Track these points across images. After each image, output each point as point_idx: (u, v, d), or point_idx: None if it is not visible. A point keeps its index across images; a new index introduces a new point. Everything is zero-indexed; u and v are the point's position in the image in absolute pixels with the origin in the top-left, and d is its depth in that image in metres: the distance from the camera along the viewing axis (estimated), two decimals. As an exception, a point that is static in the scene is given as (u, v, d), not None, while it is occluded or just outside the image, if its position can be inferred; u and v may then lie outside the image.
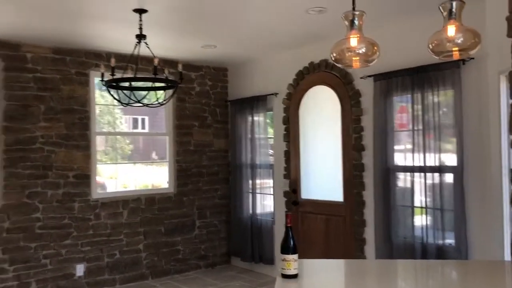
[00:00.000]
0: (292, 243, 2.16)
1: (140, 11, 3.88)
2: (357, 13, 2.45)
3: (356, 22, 2.46)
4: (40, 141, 5.10)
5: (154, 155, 6.82)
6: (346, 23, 2.47)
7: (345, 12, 2.47)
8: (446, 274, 2.47)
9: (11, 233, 4.89)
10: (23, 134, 4.99)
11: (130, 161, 6.14)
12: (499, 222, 3.48)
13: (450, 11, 2.35)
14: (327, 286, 2.26)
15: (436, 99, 4.11)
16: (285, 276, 2.18)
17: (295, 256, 2.17)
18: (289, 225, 2.20)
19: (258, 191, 6.09)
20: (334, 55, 2.48)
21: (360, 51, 2.44)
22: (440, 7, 2.37)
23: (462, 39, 2.33)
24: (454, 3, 2.33)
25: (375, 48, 2.44)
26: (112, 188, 6.00)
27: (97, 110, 6.07)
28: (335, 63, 2.52)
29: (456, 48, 2.37)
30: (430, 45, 2.37)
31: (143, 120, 8.41)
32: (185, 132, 6.22)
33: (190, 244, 6.20)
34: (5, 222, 4.86)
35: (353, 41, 2.45)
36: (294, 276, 2.18)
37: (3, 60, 4.89)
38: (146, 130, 8.72)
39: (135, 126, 9.33)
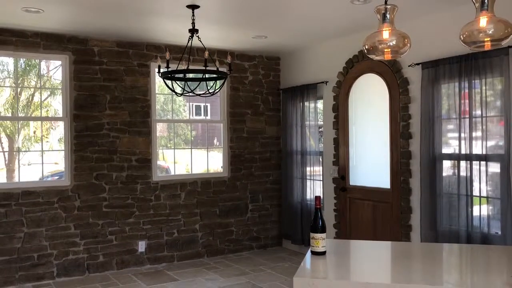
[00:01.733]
0: (320, 223, 2.36)
1: (193, 7, 4.16)
2: (388, 7, 2.56)
3: (388, 15, 2.57)
4: (106, 128, 5.57)
5: (215, 141, 7.15)
6: (378, 16, 2.59)
7: (377, 6, 2.58)
8: (488, 257, 2.48)
9: (81, 211, 5.43)
10: (91, 121, 5.48)
11: (188, 147, 6.52)
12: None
13: (482, 2, 2.42)
14: (349, 262, 2.43)
15: (484, 87, 4.08)
16: (314, 253, 2.38)
17: (323, 235, 2.36)
18: (318, 206, 2.39)
19: (308, 177, 6.27)
20: (366, 47, 2.61)
21: (391, 43, 2.56)
22: (473, -1, 2.44)
23: (493, 29, 2.39)
24: (486, -6, 2.39)
25: (406, 40, 2.55)
26: (175, 172, 6.41)
27: (162, 98, 6.46)
28: (367, 55, 2.65)
29: (488, 39, 2.43)
30: (462, 36, 2.45)
31: (205, 107, 8.76)
32: (238, 119, 6.50)
33: (243, 226, 6.52)
34: (76, 200, 5.40)
35: (385, 34, 2.57)
36: (323, 253, 2.37)
37: (73, 54, 5.39)
38: (208, 116, 9.12)
39: (197, 113, 9.73)
